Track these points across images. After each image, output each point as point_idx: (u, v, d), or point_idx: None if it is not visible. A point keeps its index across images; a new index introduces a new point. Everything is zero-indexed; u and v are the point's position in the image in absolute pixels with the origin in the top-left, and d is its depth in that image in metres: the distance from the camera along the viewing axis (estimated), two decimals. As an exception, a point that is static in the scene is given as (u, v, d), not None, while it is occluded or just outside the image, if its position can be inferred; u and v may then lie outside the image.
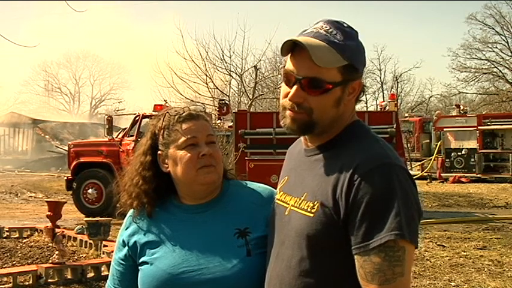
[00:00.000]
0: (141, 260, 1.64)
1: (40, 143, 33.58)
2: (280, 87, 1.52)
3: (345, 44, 1.40)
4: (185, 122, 1.65)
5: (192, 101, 16.84)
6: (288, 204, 1.50)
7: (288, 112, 1.44)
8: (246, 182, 1.81)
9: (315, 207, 1.39)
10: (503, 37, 36.07)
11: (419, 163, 21.87)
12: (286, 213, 1.50)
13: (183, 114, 1.66)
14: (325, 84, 1.39)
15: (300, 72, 1.40)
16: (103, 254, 6.94)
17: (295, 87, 1.41)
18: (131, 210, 1.74)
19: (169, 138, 1.65)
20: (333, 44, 1.39)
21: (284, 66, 1.47)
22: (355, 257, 1.32)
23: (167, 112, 1.70)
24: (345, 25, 1.45)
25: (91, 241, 7.30)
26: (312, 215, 1.39)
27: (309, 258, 1.39)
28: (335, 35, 1.40)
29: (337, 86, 1.40)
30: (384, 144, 1.44)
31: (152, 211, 1.69)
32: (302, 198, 1.44)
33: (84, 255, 7.09)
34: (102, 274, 5.94)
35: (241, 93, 18.39)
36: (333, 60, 1.38)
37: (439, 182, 19.65)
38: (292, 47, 1.42)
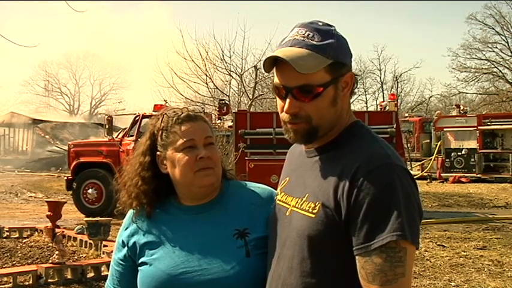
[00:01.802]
0: (140, 261, 1.64)
1: (40, 143, 33.54)
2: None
3: (325, 43, 1.40)
4: (183, 124, 1.63)
5: (192, 101, 16.86)
6: (289, 205, 1.50)
7: (289, 125, 1.45)
8: (246, 182, 1.80)
9: (317, 207, 1.38)
10: (503, 37, 36.11)
11: (419, 163, 21.88)
12: (287, 214, 1.50)
13: (181, 115, 1.65)
14: (315, 89, 1.39)
15: (288, 84, 1.40)
16: (103, 254, 6.94)
17: (288, 99, 1.41)
18: (130, 211, 1.73)
19: (168, 140, 1.64)
20: (313, 47, 1.39)
21: (273, 81, 1.47)
22: (357, 257, 1.32)
23: (165, 113, 1.70)
24: (320, 24, 1.44)
25: (91, 241, 7.30)
26: (313, 215, 1.39)
27: (310, 259, 1.39)
28: (312, 37, 1.40)
29: (328, 86, 1.40)
30: (384, 145, 1.44)
31: (151, 212, 1.68)
32: (304, 199, 1.44)
33: (84, 255, 7.08)
34: (102, 274, 5.94)
35: (241, 93, 18.39)
36: (316, 64, 1.38)
37: (439, 182, 19.65)
38: (274, 62, 1.42)
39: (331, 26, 1.46)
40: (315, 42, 1.39)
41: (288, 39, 1.43)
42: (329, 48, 1.40)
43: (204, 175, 1.60)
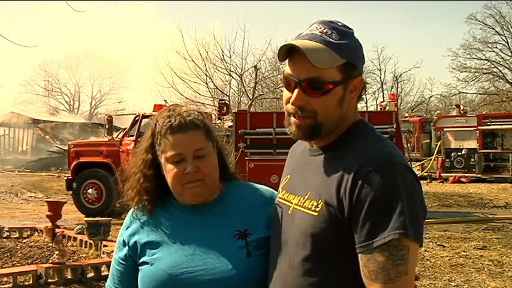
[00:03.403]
0: (141, 260, 1.63)
1: (40, 143, 33.53)
2: (280, 86, 1.52)
3: (341, 42, 1.40)
4: (174, 134, 1.59)
5: (192, 101, 16.87)
6: (291, 203, 1.50)
7: (292, 119, 1.44)
8: (247, 183, 1.80)
9: (319, 205, 1.38)
10: (503, 37, 36.11)
11: (419, 163, 21.88)
12: (289, 212, 1.49)
13: (174, 123, 1.60)
14: (325, 85, 1.39)
15: (299, 76, 1.40)
16: (103, 254, 6.94)
17: (296, 90, 1.41)
18: (131, 210, 1.73)
19: (160, 146, 1.63)
20: (329, 44, 1.39)
21: (284, 72, 1.47)
22: (359, 255, 1.32)
23: (162, 115, 1.66)
24: (340, 24, 1.45)
25: (91, 241, 7.30)
26: (316, 213, 1.39)
27: (313, 257, 1.39)
28: (330, 35, 1.41)
29: (338, 85, 1.40)
30: (387, 143, 1.44)
31: (153, 209, 1.68)
32: (306, 197, 1.44)
33: (84, 255, 7.08)
34: (102, 274, 5.94)
35: (241, 93, 18.41)
36: (331, 60, 1.38)
37: (439, 182, 19.66)
38: (289, 52, 1.42)
39: (350, 28, 1.47)
40: (332, 40, 1.40)
41: (306, 33, 1.44)
42: (345, 48, 1.40)
43: (192, 187, 1.59)
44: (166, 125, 1.61)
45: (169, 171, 1.60)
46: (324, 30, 1.42)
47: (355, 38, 1.45)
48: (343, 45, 1.40)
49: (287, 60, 1.44)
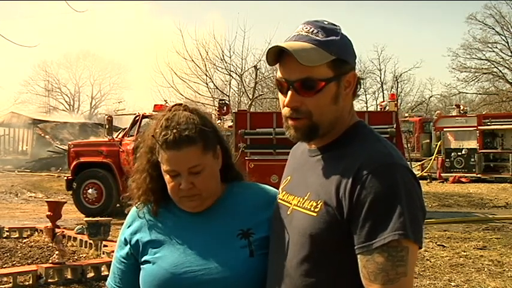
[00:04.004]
0: (143, 259, 1.63)
1: (40, 143, 33.52)
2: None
3: (329, 39, 1.41)
4: (168, 150, 1.55)
5: (192, 101, 16.89)
6: (291, 203, 1.50)
7: (290, 122, 1.44)
8: (252, 183, 1.80)
9: (319, 206, 1.38)
10: (503, 37, 36.12)
11: (419, 163, 21.88)
12: (288, 212, 1.49)
13: (169, 138, 1.55)
14: (317, 83, 1.39)
15: (290, 77, 1.41)
16: (103, 254, 6.95)
17: (289, 92, 1.41)
18: (134, 208, 1.73)
19: (159, 156, 1.61)
20: (316, 42, 1.40)
21: (276, 76, 1.47)
22: (358, 256, 1.32)
23: (159, 125, 1.60)
24: (325, 22, 1.46)
25: (91, 241, 7.30)
26: (315, 214, 1.39)
27: (312, 258, 1.39)
28: (317, 34, 1.41)
29: (330, 82, 1.40)
30: (387, 144, 1.44)
31: (157, 210, 1.68)
32: (305, 197, 1.44)
33: (84, 255, 7.09)
34: (102, 274, 5.94)
35: (241, 93, 18.43)
36: (319, 58, 1.38)
37: (439, 182, 19.66)
38: (278, 56, 1.43)
39: (336, 25, 1.47)
40: (319, 38, 1.40)
41: (293, 35, 1.44)
42: (332, 44, 1.40)
43: (188, 200, 1.59)
44: (162, 138, 1.57)
45: (167, 182, 1.60)
46: (310, 30, 1.42)
47: (343, 35, 1.45)
48: (331, 41, 1.41)
49: (278, 64, 1.44)
